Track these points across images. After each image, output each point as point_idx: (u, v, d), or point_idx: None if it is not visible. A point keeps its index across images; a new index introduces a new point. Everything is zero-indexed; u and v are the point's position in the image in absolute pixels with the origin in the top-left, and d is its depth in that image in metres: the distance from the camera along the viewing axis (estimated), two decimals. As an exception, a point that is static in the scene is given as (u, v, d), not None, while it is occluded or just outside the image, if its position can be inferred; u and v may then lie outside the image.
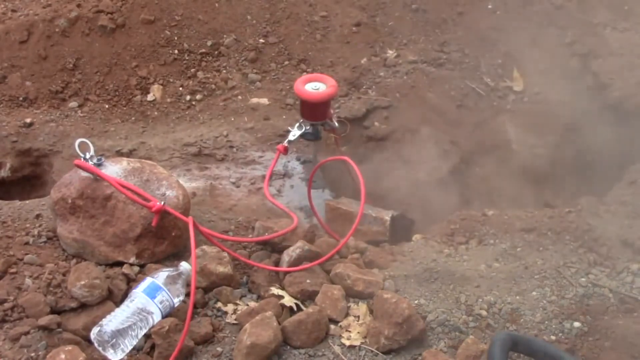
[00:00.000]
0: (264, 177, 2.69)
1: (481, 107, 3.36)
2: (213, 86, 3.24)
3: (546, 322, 1.99)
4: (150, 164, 2.27)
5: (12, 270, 2.01)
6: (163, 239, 2.12)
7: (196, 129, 2.95)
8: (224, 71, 3.30)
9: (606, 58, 3.40)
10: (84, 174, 2.11)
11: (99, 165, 2.13)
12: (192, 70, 3.28)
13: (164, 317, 1.89)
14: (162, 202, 2.01)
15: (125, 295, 1.98)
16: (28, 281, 1.97)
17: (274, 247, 2.23)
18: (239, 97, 3.19)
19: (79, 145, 2.14)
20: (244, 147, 2.83)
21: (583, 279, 2.12)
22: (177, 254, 2.19)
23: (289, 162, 2.82)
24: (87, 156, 2.12)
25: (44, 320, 1.84)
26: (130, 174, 2.15)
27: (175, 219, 2.12)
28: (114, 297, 1.97)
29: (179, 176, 2.62)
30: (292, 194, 2.71)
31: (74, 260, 2.09)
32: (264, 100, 3.16)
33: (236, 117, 3.04)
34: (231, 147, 2.83)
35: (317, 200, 2.63)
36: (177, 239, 2.16)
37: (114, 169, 2.15)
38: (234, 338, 1.92)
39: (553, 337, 1.93)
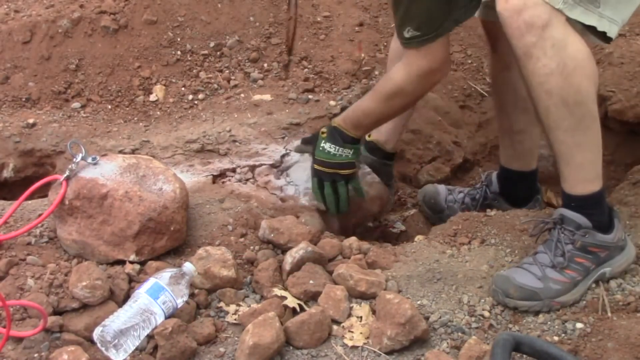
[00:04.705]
0: (266, 166, 2.73)
1: (484, 107, 3.35)
2: (215, 86, 3.24)
3: (549, 322, 1.98)
4: (146, 159, 2.27)
5: (14, 271, 2.02)
6: (162, 234, 2.12)
7: (199, 127, 2.94)
8: (227, 71, 3.30)
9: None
10: (80, 174, 2.11)
11: (94, 164, 2.14)
12: (195, 70, 3.28)
13: (167, 317, 1.89)
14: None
15: (127, 295, 1.98)
16: (30, 282, 1.97)
17: (281, 247, 2.23)
18: (242, 95, 3.18)
19: (70, 146, 2.15)
20: (247, 140, 2.83)
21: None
22: (177, 248, 2.19)
23: (287, 152, 2.82)
24: (79, 157, 2.12)
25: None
26: (126, 170, 2.15)
27: (173, 213, 2.11)
28: (116, 297, 1.97)
29: (182, 172, 2.62)
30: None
31: (75, 260, 2.09)
32: (267, 97, 3.16)
33: (239, 113, 3.03)
34: (234, 141, 2.83)
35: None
36: (176, 233, 2.16)
37: (110, 167, 2.15)
38: (236, 338, 1.93)
39: (556, 338, 1.93)
